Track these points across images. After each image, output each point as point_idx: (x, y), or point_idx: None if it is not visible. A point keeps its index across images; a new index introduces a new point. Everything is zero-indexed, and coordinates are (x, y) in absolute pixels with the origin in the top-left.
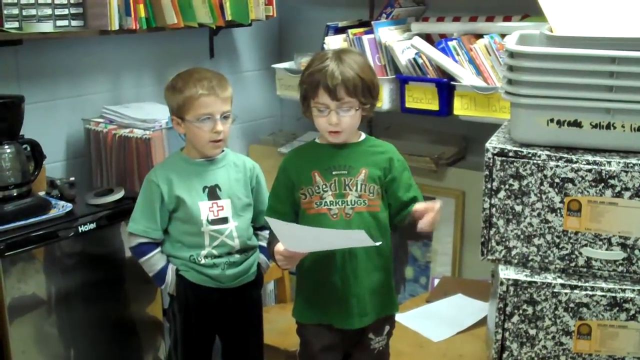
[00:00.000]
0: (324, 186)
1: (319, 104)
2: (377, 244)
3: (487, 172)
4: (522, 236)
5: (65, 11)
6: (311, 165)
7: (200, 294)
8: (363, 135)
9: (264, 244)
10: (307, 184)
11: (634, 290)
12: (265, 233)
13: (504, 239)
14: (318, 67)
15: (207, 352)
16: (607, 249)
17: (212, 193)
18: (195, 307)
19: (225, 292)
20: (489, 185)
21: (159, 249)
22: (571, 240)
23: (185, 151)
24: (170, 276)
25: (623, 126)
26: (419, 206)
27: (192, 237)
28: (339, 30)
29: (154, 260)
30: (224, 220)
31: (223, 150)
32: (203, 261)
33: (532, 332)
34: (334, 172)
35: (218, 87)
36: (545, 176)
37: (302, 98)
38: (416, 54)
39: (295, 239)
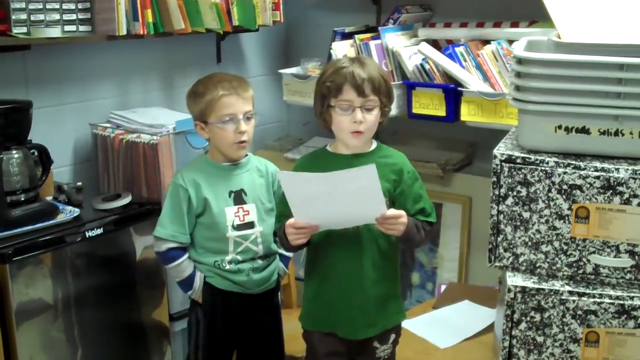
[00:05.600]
0: None
1: (343, 101)
2: (381, 213)
3: (494, 179)
4: (529, 243)
5: (73, 16)
6: None
7: (226, 300)
8: (375, 144)
9: (282, 251)
10: None
11: None
12: None
13: (511, 246)
14: (340, 66)
15: (228, 358)
16: (615, 256)
17: (238, 197)
18: (222, 313)
19: (249, 298)
20: (497, 192)
21: (187, 255)
22: (579, 247)
23: (209, 155)
24: (198, 283)
25: (631, 133)
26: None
27: (216, 243)
28: (346, 36)
29: (183, 267)
30: (250, 225)
31: (246, 154)
32: (227, 267)
33: (540, 339)
34: None
35: (239, 87)
36: (553, 183)
37: (321, 98)
38: (423, 59)
39: (306, 200)
